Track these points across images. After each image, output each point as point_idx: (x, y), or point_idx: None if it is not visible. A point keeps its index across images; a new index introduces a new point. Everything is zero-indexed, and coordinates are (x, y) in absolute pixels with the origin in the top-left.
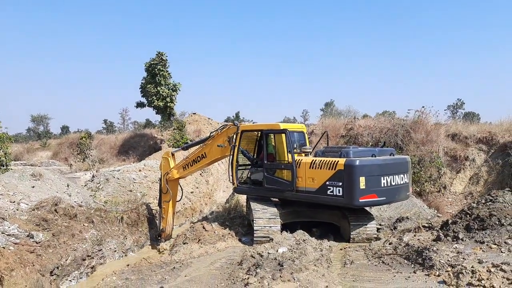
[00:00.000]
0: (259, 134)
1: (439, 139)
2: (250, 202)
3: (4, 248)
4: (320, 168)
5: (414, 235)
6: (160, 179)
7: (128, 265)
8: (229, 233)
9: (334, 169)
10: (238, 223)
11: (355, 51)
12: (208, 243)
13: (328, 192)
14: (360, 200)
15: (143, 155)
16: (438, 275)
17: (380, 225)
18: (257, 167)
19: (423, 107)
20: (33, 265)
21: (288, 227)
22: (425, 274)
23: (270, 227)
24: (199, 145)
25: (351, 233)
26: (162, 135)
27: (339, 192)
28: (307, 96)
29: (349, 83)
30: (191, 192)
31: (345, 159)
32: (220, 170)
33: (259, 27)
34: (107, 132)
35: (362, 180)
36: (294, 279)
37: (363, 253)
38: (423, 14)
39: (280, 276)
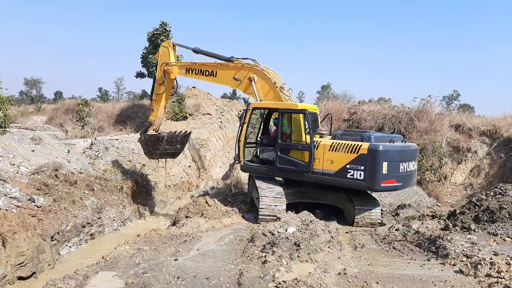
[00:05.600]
0: (266, 112)
1: (443, 129)
2: (255, 180)
3: (7, 210)
4: (341, 151)
5: (422, 223)
6: (156, 69)
7: (138, 235)
8: (232, 210)
9: (357, 153)
10: (240, 200)
11: (353, 37)
12: (212, 218)
13: (348, 175)
14: (382, 185)
15: (140, 125)
16: (454, 264)
17: (381, 210)
18: (266, 146)
19: (429, 96)
20: (35, 229)
21: (290, 207)
22: (440, 263)
23: (276, 206)
24: (214, 62)
25: (356, 217)
26: None
27: (360, 176)
28: (303, 78)
29: (345, 68)
30: (189, 166)
31: (368, 143)
32: (218, 146)
33: (258, 6)
34: (102, 100)
35: (385, 165)
36: (312, 260)
37: (370, 237)
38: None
39: (298, 256)
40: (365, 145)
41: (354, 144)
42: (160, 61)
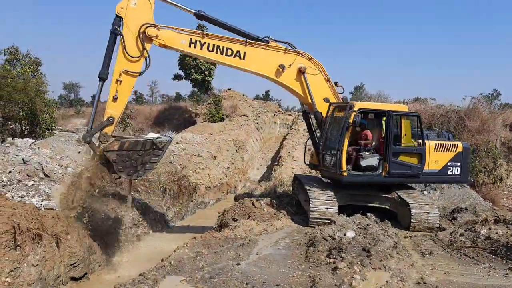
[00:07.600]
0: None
1: (496, 128)
2: (303, 182)
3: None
4: (443, 151)
5: (489, 228)
6: (117, 31)
7: (194, 237)
8: (280, 212)
9: (455, 151)
10: (286, 202)
11: (386, 36)
12: (260, 220)
13: (448, 172)
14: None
15: (177, 127)
16: None
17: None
18: (365, 151)
19: (480, 94)
20: (85, 229)
21: (339, 210)
22: None
23: (327, 208)
24: (239, 39)
25: (412, 221)
26: (196, 109)
27: (457, 171)
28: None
29: (378, 68)
30: (227, 168)
31: (460, 142)
32: (255, 147)
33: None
34: (137, 103)
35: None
36: (385, 268)
37: (433, 243)
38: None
39: (370, 263)
40: (460, 144)
41: (452, 144)
42: (133, 18)
